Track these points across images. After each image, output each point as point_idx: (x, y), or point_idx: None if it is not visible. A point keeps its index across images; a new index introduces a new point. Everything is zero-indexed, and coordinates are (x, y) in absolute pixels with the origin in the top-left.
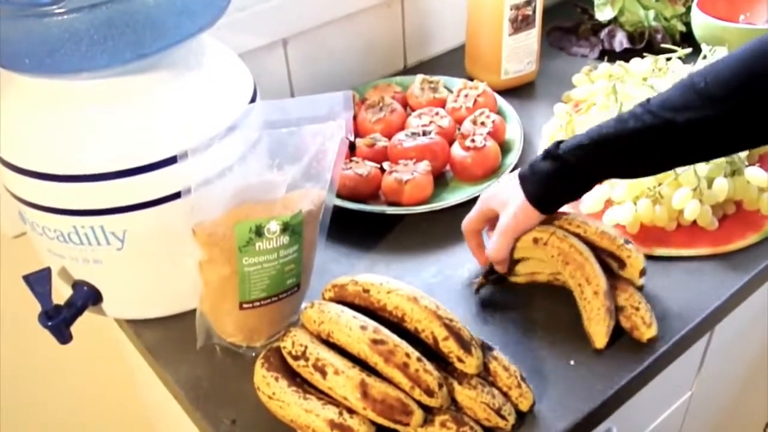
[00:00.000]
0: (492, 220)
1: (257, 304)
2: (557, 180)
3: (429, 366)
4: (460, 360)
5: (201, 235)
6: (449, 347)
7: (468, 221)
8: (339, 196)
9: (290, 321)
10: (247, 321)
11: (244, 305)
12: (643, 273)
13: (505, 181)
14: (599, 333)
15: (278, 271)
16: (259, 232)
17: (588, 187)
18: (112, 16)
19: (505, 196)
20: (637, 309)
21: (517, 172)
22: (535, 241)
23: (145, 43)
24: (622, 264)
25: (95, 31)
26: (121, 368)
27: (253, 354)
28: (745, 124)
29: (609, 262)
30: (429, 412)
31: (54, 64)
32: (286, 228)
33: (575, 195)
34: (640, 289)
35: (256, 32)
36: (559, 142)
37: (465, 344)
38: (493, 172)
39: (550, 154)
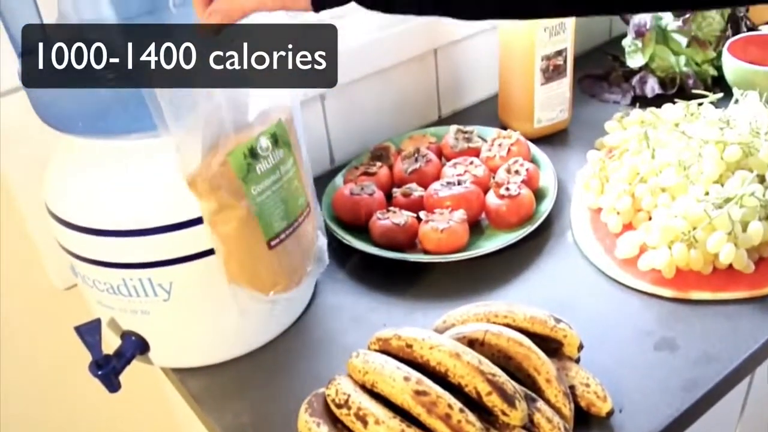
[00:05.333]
0: None
1: (282, 236)
2: None
3: (471, 417)
4: (504, 413)
5: (201, 183)
6: (493, 402)
7: None
8: (376, 244)
9: (316, 257)
10: (281, 261)
11: (272, 243)
12: (580, 348)
13: None
14: (567, 418)
15: (287, 191)
16: (253, 153)
17: None
18: None
19: None
20: (588, 385)
21: None
22: (471, 343)
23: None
24: (559, 344)
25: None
26: (165, 415)
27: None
28: None
29: (545, 346)
30: None
31: (106, 127)
32: (276, 140)
33: None
34: (578, 361)
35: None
36: None
37: (509, 398)
38: (527, 219)
39: None
